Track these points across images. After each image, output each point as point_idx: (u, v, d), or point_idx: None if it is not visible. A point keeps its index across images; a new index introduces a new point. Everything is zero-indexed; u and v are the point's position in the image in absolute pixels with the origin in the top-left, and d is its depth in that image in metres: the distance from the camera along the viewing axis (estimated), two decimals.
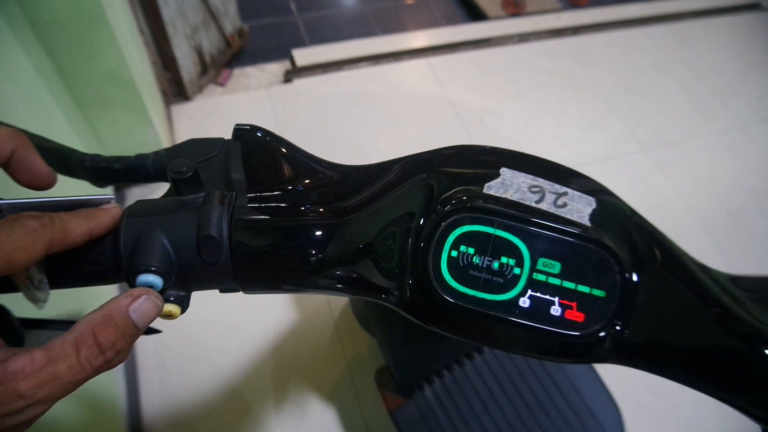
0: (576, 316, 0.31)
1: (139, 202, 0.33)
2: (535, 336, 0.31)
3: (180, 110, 1.77)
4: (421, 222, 0.32)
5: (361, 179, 0.38)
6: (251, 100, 1.85)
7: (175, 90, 1.77)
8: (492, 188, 0.32)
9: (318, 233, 0.34)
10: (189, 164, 0.33)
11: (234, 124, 0.38)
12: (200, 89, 1.84)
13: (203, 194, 0.34)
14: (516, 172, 0.33)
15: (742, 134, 2.08)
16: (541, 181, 0.33)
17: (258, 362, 1.28)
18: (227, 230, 0.32)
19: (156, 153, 0.39)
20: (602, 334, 0.31)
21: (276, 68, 1.99)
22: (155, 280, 0.30)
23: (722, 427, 1.32)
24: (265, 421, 1.21)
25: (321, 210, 0.35)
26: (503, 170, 0.33)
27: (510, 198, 0.32)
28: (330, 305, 1.39)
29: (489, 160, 0.34)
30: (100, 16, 1.05)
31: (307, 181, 0.38)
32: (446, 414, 0.86)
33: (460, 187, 0.32)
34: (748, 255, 1.71)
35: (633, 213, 0.34)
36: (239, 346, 1.30)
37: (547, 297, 0.31)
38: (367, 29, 2.28)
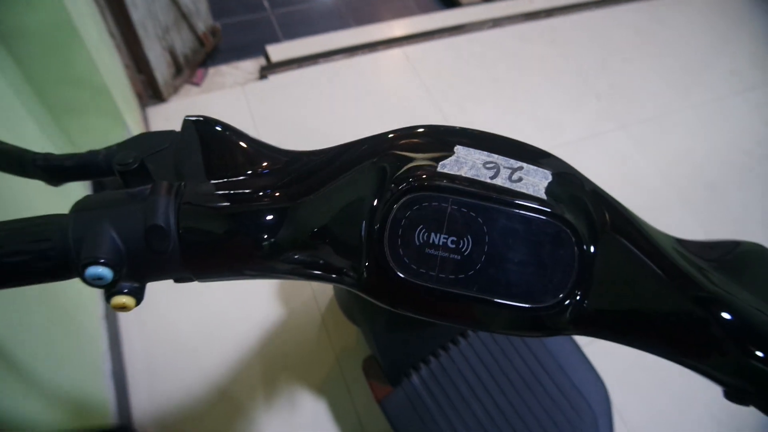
0: None
1: (87, 197, 0.33)
2: (496, 311, 0.32)
3: (156, 112, 1.75)
4: (375, 203, 0.32)
5: (315, 163, 0.38)
6: (227, 99, 1.84)
7: (150, 92, 1.75)
8: (446, 166, 0.32)
9: (269, 217, 0.34)
10: (135, 156, 0.33)
11: None
12: (175, 90, 1.82)
13: (151, 185, 0.34)
14: (470, 149, 0.33)
15: (717, 108, 2.10)
16: (495, 157, 0.33)
17: (246, 359, 1.28)
18: (174, 219, 0.32)
19: (108, 148, 0.39)
20: (565, 303, 0.31)
21: (251, 65, 1.98)
22: (104, 272, 0.30)
23: (712, 397, 1.34)
24: (257, 418, 1.21)
25: (273, 194, 0.35)
26: (457, 148, 0.33)
27: (464, 175, 0.32)
28: (316, 299, 1.39)
29: (444, 140, 0.34)
30: (66, 21, 1.03)
31: (257, 167, 0.38)
32: (434, 400, 0.86)
33: (412, 166, 0.33)
34: (726, 226, 1.74)
35: (588, 183, 0.35)
36: (226, 345, 1.30)
37: (506, 271, 0.31)
38: (341, 22, 2.27)
